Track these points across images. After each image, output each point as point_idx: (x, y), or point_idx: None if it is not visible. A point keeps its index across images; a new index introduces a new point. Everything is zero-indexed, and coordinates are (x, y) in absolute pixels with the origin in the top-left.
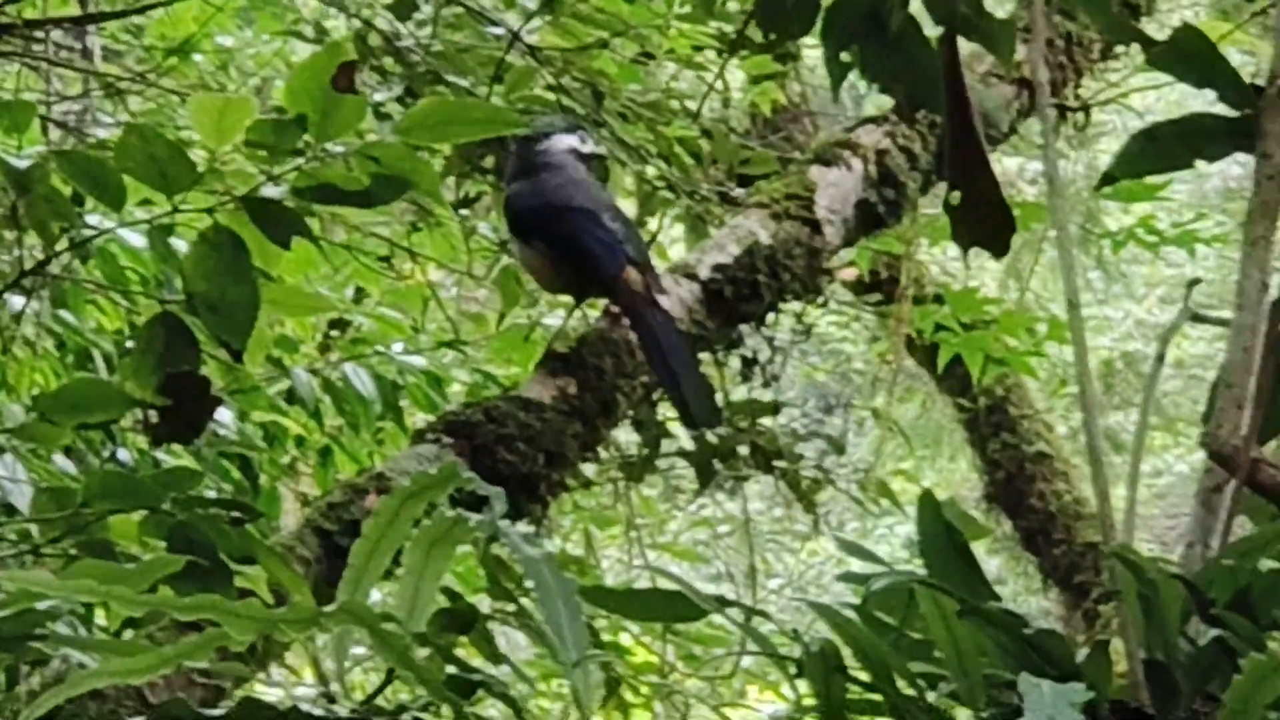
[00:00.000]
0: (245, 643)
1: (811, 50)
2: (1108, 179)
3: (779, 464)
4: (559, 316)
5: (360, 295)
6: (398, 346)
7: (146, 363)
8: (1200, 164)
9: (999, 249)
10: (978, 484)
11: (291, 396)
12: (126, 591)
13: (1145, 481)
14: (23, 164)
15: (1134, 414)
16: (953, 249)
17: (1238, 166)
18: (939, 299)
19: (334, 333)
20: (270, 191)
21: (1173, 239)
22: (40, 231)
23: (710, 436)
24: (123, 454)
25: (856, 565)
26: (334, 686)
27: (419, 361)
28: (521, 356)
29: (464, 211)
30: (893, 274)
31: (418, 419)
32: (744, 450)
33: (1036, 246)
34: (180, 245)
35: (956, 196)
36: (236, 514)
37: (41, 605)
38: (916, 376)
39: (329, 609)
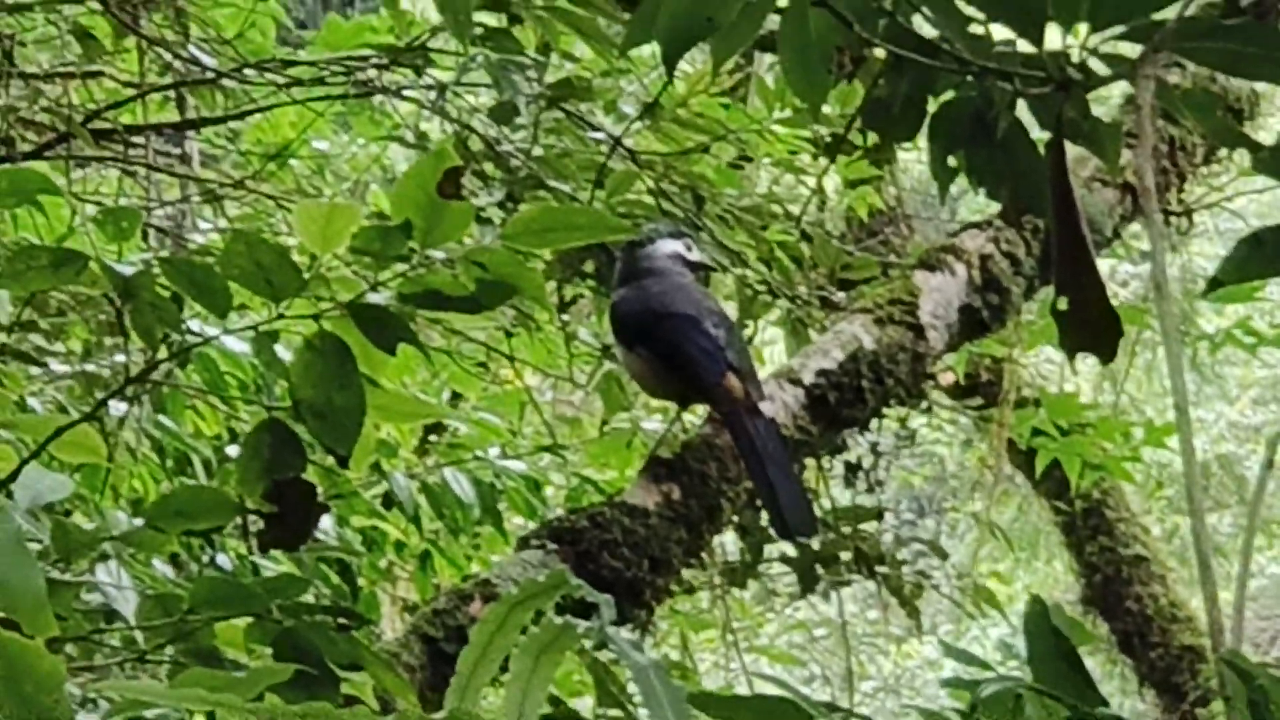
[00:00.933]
0: None
1: (906, 154)
2: (1215, 284)
3: (881, 569)
4: (657, 421)
5: (457, 399)
6: (494, 450)
7: (253, 469)
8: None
9: (1106, 354)
10: (1073, 586)
11: (389, 500)
12: (236, 699)
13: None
14: (128, 270)
15: (1229, 516)
16: (1046, 352)
17: None
18: (1035, 403)
19: (432, 437)
20: (376, 298)
21: (1271, 340)
22: (145, 338)
23: (812, 543)
24: (221, 559)
25: (951, 668)
26: None
27: (518, 466)
28: (619, 461)
29: (564, 316)
30: (991, 377)
31: (515, 523)
32: (846, 555)
33: (1131, 349)
34: (283, 352)
35: (1064, 302)
36: (342, 620)
37: (150, 714)
38: (1011, 479)
39: (438, 716)
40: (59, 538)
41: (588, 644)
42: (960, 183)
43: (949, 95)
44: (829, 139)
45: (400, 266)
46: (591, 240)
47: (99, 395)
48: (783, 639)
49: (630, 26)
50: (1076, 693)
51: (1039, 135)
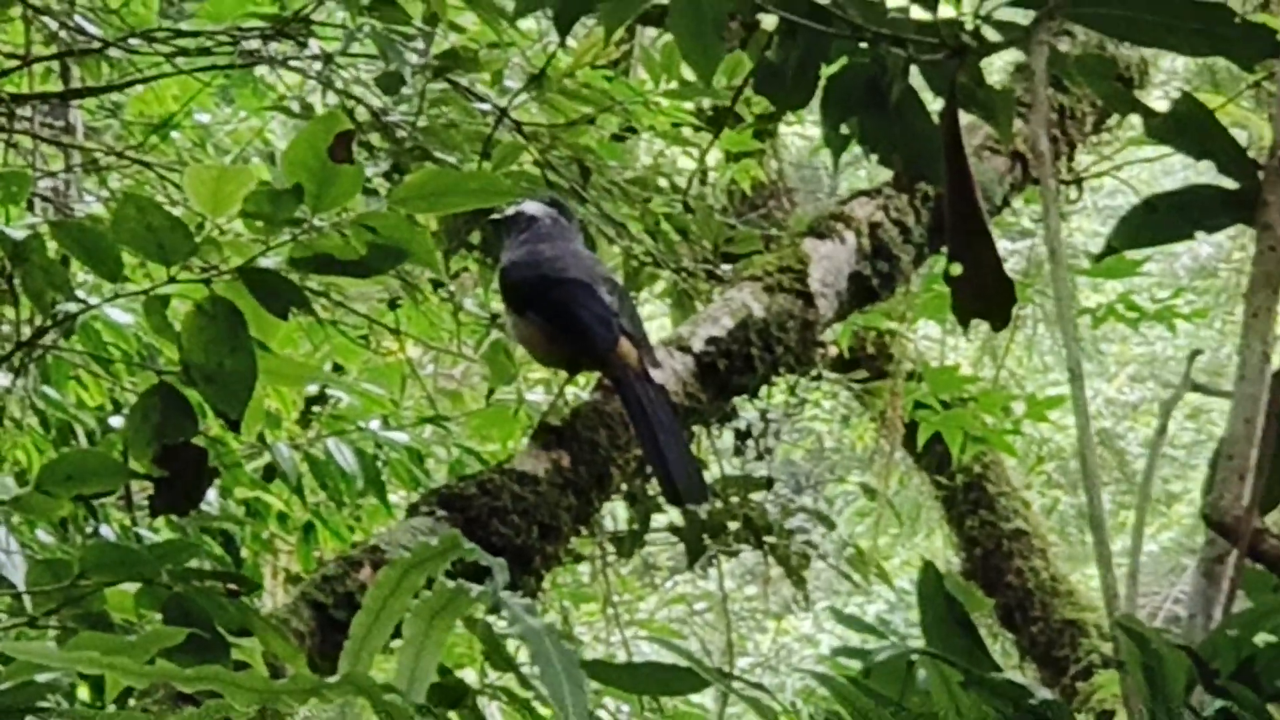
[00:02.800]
0: (247, 714)
1: (786, 128)
2: (1109, 250)
3: (769, 539)
4: (541, 393)
5: (339, 371)
6: (375, 423)
7: (143, 434)
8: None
9: (999, 321)
10: (952, 561)
11: (270, 473)
12: (129, 663)
13: (1115, 559)
14: (18, 234)
15: (1106, 493)
16: (926, 328)
17: (1208, 246)
18: (916, 376)
19: (315, 408)
20: (267, 262)
21: (1153, 314)
22: (36, 302)
23: (700, 512)
24: (105, 530)
25: (829, 643)
26: None
27: (401, 437)
28: (501, 433)
29: (450, 287)
30: (874, 351)
31: (396, 497)
32: (734, 526)
33: (1012, 325)
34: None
35: (957, 268)
36: (231, 586)
37: (41, 678)
38: (886, 454)
39: (332, 680)
40: None
41: (480, 609)
42: (845, 156)
43: (842, 62)
44: (711, 112)
45: (292, 230)
46: (483, 204)
47: None
48: (662, 613)
49: None
50: (970, 658)
51: (932, 102)
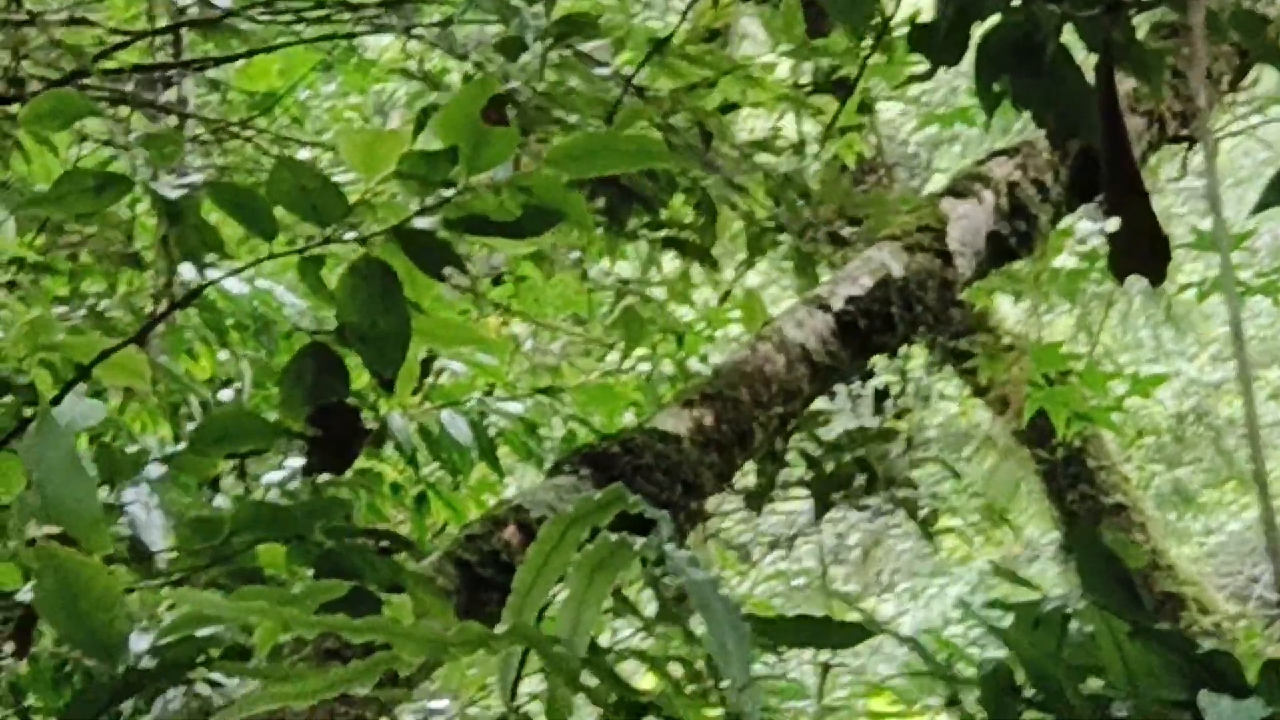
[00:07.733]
0: (414, 665)
1: (885, 103)
2: (1262, 206)
3: (899, 492)
4: (669, 365)
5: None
6: (477, 395)
7: (297, 394)
8: (1251, 223)
9: (1156, 276)
10: (1050, 536)
11: (380, 442)
12: (299, 613)
13: (1196, 539)
14: (174, 194)
15: (1200, 470)
16: (1006, 305)
17: None
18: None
19: (428, 380)
20: (422, 223)
21: (1258, 289)
22: (192, 260)
23: (826, 466)
24: (219, 501)
25: (912, 623)
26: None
27: (515, 407)
28: (604, 409)
29: (576, 254)
30: (977, 321)
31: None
32: (859, 481)
33: (1107, 300)
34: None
35: (1114, 224)
36: (384, 544)
37: (202, 633)
38: (977, 427)
39: (499, 631)
40: (102, 460)
41: (644, 561)
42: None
43: (995, 19)
44: (811, 85)
45: (447, 192)
46: (637, 166)
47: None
48: (761, 589)
49: None
50: (1129, 610)
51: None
